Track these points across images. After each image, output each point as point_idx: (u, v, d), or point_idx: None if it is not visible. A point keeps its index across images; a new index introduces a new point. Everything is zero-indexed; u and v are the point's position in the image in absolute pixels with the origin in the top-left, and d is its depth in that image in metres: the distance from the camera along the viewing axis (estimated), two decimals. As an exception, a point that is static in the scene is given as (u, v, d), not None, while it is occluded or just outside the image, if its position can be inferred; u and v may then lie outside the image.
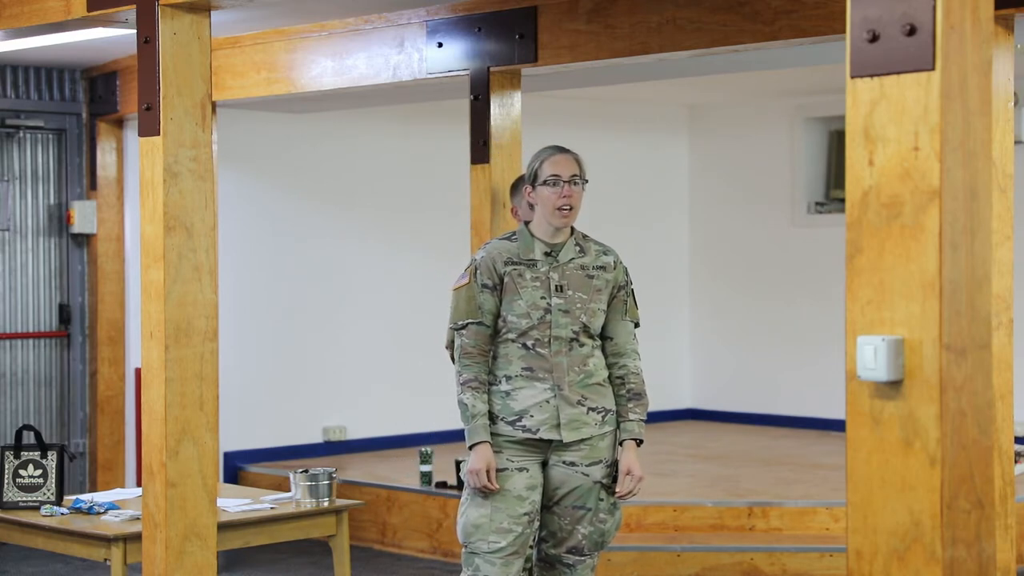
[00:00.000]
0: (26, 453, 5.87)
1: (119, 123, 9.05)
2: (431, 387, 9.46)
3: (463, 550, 4.77)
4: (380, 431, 9.93)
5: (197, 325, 4.65)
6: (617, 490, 4.77)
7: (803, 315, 10.79)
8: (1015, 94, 6.40)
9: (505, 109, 6.58)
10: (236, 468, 9.24)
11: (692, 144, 11.52)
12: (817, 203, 10.86)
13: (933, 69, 2.80)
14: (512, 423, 4.72)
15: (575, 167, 4.79)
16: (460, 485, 7.29)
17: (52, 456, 5.86)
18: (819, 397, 10.54)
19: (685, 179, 11.54)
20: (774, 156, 11.00)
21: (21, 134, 8.90)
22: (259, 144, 9.47)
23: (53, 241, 9.03)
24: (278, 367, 9.53)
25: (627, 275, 4.90)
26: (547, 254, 4.78)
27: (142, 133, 4.68)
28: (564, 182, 4.75)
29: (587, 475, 4.76)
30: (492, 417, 4.74)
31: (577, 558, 4.82)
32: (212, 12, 4.71)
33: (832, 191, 10.88)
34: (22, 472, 5.85)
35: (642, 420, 4.82)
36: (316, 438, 9.70)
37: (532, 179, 4.81)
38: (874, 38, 2.87)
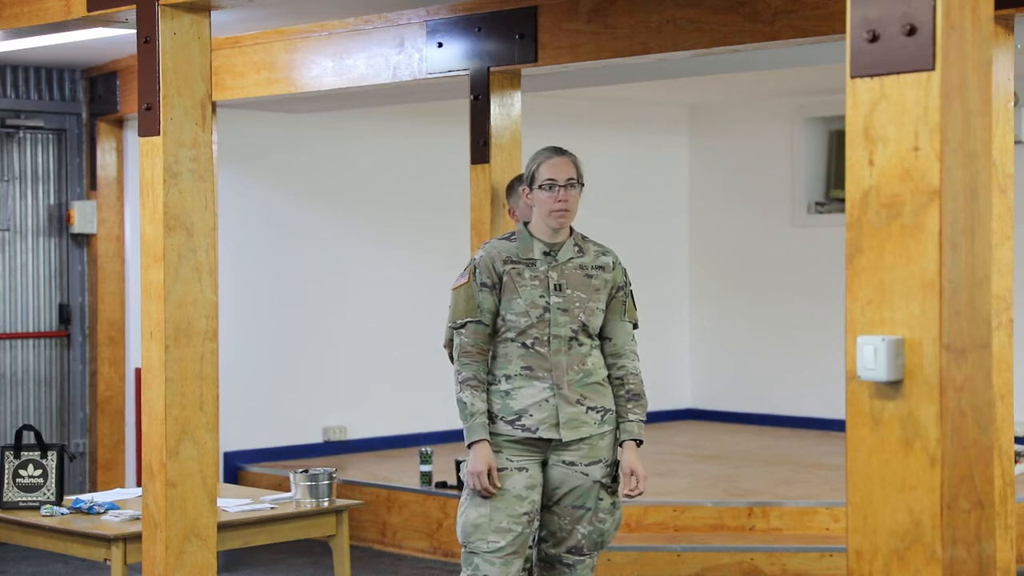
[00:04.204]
0: (26, 453, 5.87)
1: (119, 123, 9.05)
2: (431, 387, 9.46)
3: (463, 550, 4.77)
4: (380, 431, 9.94)
5: (197, 325, 4.65)
6: (624, 491, 4.77)
7: (803, 315, 10.79)
8: (1015, 94, 6.40)
9: (505, 109, 6.58)
10: (236, 468, 9.24)
11: (692, 144, 11.52)
12: (817, 203, 10.86)
13: (933, 69, 2.80)
14: (511, 422, 4.73)
15: (572, 170, 4.80)
16: (460, 485, 7.29)
17: (52, 456, 5.86)
18: (819, 397, 10.53)
19: (685, 179, 11.54)
20: (774, 156, 11.00)
21: (21, 134, 8.90)
22: (259, 144, 9.47)
23: (53, 241, 9.03)
24: (278, 367, 9.53)
25: (626, 276, 4.91)
26: (546, 253, 4.79)
27: (142, 133, 4.68)
28: (560, 187, 4.75)
29: (586, 475, 4.76)
30: (491, 416, 4.74)
31: (577, 558, 4.82)
32: (212, 12, 4.71)
33: (832, 191, 10.88)
34: (22, 472, 5.86)
35: (641, 421, 4.83)
36: (316, 438, 9.70)
37: (529, 181, 4.82)
38: (874, 38, 2.87)
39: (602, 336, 4.85)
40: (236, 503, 5.94)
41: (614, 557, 7.13)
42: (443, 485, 8.10)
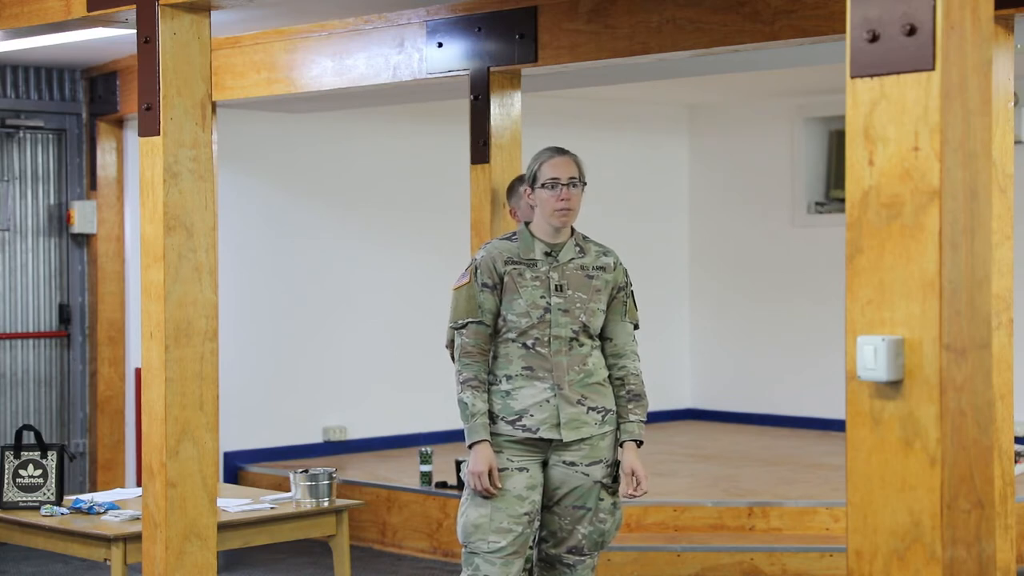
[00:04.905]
0: (26, 453, 5.87)
1: (119, 123, 9.05)
2: (431, 387, 9.46)
3: (463, 550, 4.77)
4: (380, 431, 9.93)
5: (197, 325, 4.65)
6: (627, 492, 4.77)
7: (803, 315, 10.79)
8: (1015, 94, 6.40)
9: (505, 109, 6.58)
10: (236, 468, 9.24)
11: (692, 144, 11.52)
12: (817, 203, 10.86)
13: (933, 69, 2.80)
14: (512, 422, 4.73)
15: (574, 169, 4.80)
16: (460, 485, 7.29)
17: (52, 456, 5.86)
18: (819, 397, 10.53)
19: (685, 179, 11.54)
20: (774, 156, 11.00)
21: (21, 134, 8.90)
22: (259, 144, 9.47)
23: (53, 241, 9.03)
24: (278, 367, 9.53)
25: (627, 276, 4.91)
26: (547, 254, 4.79)
27: (142, 133, 4.68)
28: (562, 185, 4.76)
29: (587, 475, 4.77)
30: (492, 417, 4.74)
31: (577, 558, 4.82)
32: (212, 12, 4.71)
33: (832, 191, 10.88)
34: (22, 472, 5.85)
35: (642, 421, 4.83)
36: (316, 438, 9.70)
37: (532, 181, 4.82)
38: (874, 38, 2.87)
39: (603, 336, 4.85)
40: (236, 503, 5.94)
41: (614, 557, 7.13)
42: (443, 485, 8.09)
